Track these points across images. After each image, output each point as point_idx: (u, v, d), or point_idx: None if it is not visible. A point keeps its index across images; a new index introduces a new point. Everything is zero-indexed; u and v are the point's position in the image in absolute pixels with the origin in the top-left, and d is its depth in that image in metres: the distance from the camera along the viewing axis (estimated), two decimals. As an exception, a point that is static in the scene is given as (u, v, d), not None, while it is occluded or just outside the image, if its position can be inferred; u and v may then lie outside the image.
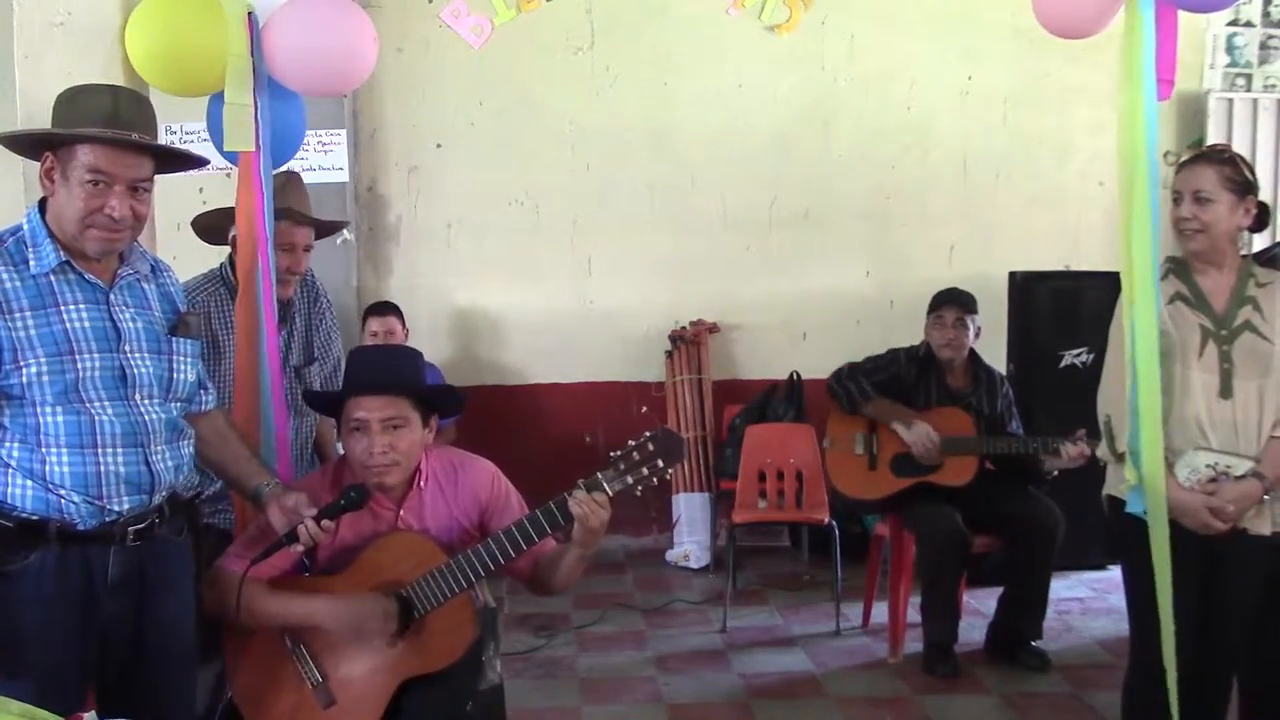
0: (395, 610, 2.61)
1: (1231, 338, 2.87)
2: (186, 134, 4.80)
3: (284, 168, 3.31)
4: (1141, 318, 2.76)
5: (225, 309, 3.23)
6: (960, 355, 4.54)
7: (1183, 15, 2.84)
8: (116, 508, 2.36)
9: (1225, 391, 2.85)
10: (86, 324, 2.35)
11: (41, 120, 2.51)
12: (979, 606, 4.84)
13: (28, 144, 2.44)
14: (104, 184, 2.32)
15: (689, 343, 5.98)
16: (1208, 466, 2.84)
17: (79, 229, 2.33)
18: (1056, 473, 4.37)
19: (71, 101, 2.37)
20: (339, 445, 2.95)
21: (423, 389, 2.82)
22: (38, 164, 2.38)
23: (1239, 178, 2.88)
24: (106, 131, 2.32)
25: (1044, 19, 2.94)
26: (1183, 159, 2.98)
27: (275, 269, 3.18)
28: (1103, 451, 3.02)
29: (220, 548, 2.80)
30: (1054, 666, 4.38)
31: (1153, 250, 2.77)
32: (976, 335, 4.56)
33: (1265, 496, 2.83)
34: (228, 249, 3.28)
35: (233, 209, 3.05)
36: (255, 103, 2.93)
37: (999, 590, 4.55)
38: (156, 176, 2.45)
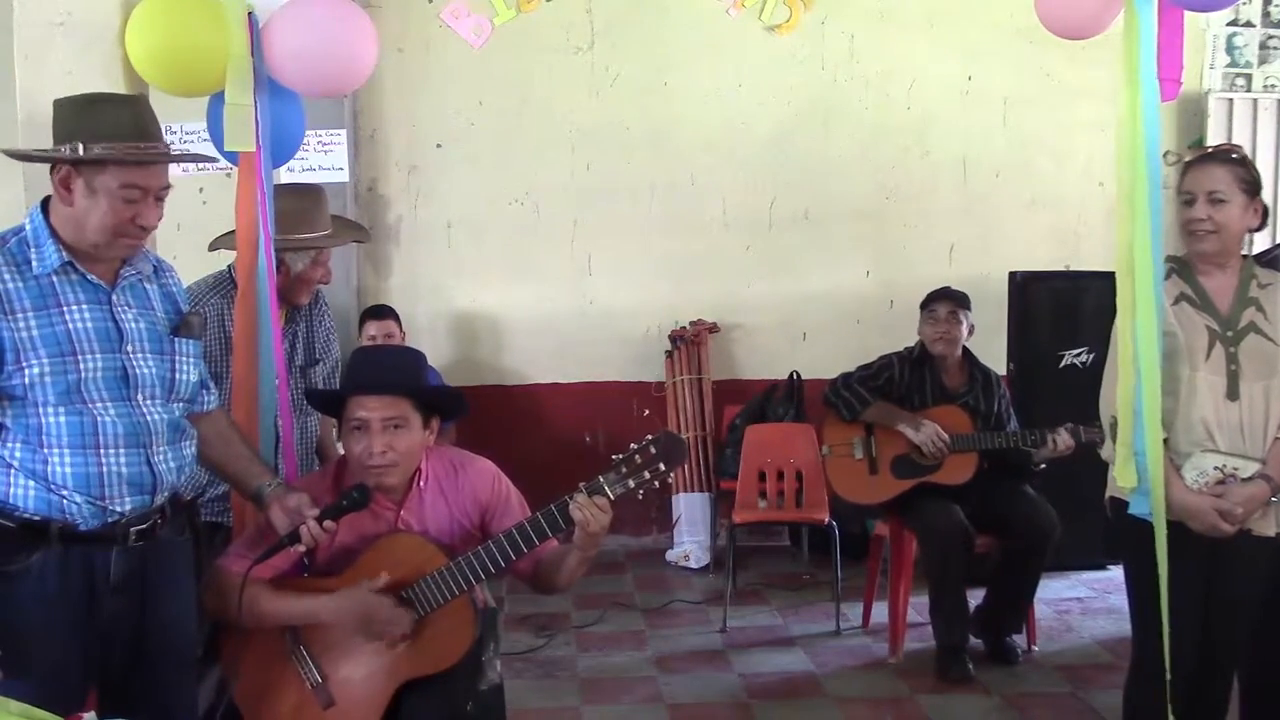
0: (406, 616, 2.61)
1: (1238, 339, 2.85)
2: (187, 134, 4.80)
3: (283, 168, 3.32)
4: (1143, 319, 2.76)
5: None
6: (954, 351, 4.53)
7: (1183, 15, 2.84)
8: (118, 508, 2.36)
9: (1232, 393, 2.83)
10: (89, 324, 2.35)
11: (42, 121, 2.50)
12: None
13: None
14: (138, 198, 2.35)
15: (689, 343, 5.98)
16: (1215, 469, 2.82)
17: (108, 238, 2.35)
18: (1043, 465, 4.38)
19: (92, 113, 2.35)
20: (339, 445, 2.94)
21: (424, 390, 2.81)
22: (39, 165, 2.39)
23: (1249, 178, 2.86)
24: (147, 152, 2.34)
25: (1046, 19, 2.94)
26: (1190, 158, 2.93)
27: (310, 281, 3.28)
28: (1107, 453, 3.01)
29: (226, 547, 2.81)
30: (1053, 666, 4.39)
31: (1155, 251, 2.76)
32: (970, 333, 4.56)
33: (1272, 498, 2.83)
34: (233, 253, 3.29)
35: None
36: (255, 103, 2.94)
37: (997, 590, 4.56)
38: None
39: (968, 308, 4.55)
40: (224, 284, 3.24)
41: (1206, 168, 2.86)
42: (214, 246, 3.40)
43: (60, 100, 2.39)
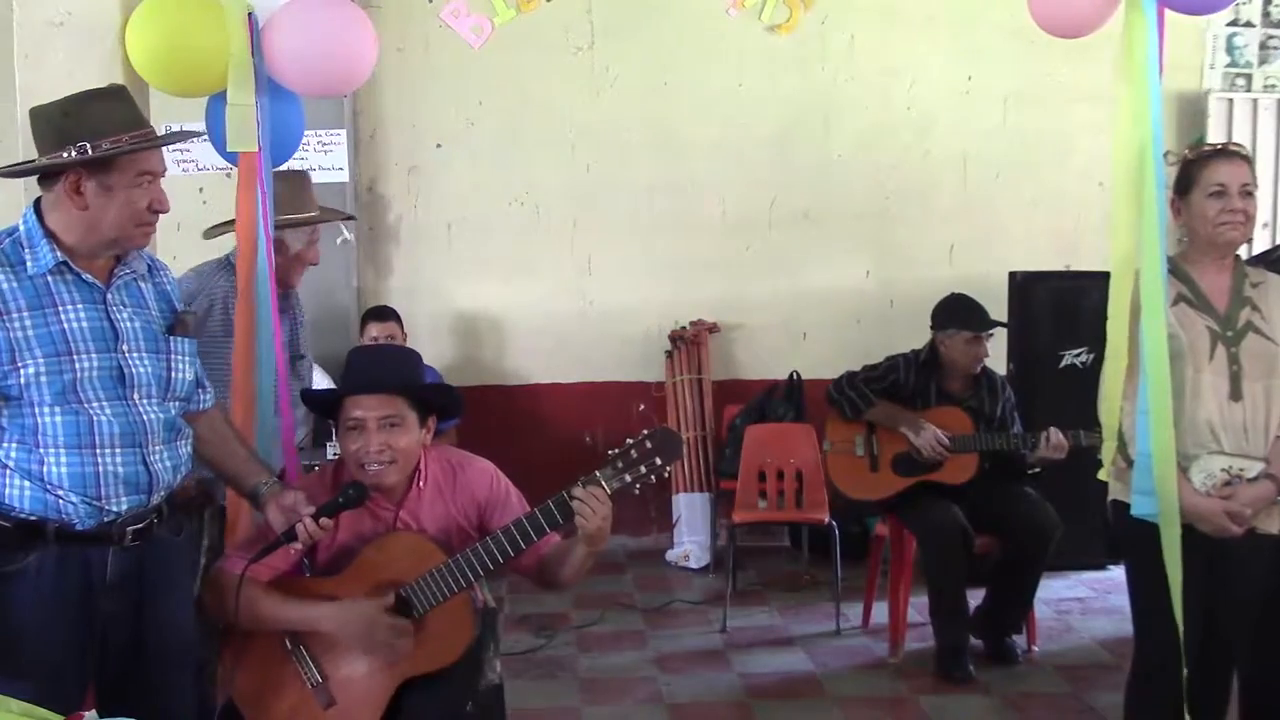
0: (406, 626, 2.61)
1: (1238, 339, 2.85)
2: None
3: (284, 166, 3.33)
4: (1151, 320, 2.75)
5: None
6: (976, 368, 4.52)
7: (1183, 15, 2.84)
8: (115, 508, 2.36)
9: (1235, 394, 2.83)
10: (84, 324, 2.35)
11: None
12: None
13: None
14: (150, 183, 2.38)
15: (689, 343, 5.97)
16: (1222, 470, 2.82)
17: (128, 230, 2.37)
18: (1038, 469, 4.37)
19: (85, 112, 2.34)
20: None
21: (420, 388, 2.81)
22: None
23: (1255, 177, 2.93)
24: (151, 137, 2.36)
25: (1039, 18, 2.94)
26: (1209, 152, 2.92)
27: (305, 261, 3.37)
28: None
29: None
30: (1053, 666, 4.39)
31: (1162, 251, 2.76)
32: None
33: (1278, 496, 2.83)
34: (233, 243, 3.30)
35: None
36: (256, 103, 2.94)
37: (997, 590, 4.55)
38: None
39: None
40: (228, 267, 3.27)
41: (1238, 162, 2.88)
42: (210, 234, 3.43)
43: (39, 108, 2.38)
